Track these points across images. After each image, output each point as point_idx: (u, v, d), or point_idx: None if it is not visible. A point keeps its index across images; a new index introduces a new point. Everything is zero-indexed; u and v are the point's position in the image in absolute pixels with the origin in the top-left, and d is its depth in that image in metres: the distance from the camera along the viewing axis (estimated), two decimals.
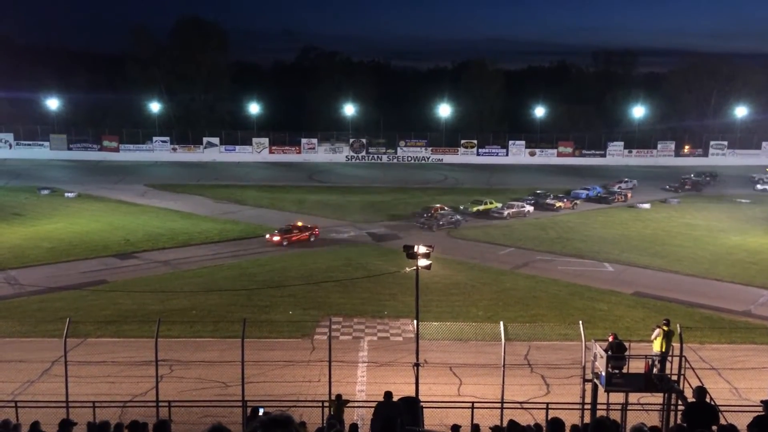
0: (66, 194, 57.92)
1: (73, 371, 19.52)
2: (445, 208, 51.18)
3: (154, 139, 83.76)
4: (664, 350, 19.01)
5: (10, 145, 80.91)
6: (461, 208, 53.34)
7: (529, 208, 54.72)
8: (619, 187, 63.13)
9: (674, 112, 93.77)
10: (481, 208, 53.66)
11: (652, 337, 19.58)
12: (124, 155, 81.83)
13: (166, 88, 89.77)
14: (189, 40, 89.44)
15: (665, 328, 19.21)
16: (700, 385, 12.82)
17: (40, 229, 45.82)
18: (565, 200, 57.24)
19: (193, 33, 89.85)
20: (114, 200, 56.87)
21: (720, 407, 14.64)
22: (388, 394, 14.25)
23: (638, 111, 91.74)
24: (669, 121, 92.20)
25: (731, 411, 16.76)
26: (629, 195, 60.91)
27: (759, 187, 68.52)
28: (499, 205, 54.21)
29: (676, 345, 18.96)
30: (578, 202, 58.07)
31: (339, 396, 17.80)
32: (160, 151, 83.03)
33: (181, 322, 27.22)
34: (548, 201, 56.61)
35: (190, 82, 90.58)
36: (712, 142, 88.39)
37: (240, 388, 18.92)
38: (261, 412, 12.47)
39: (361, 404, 20.18)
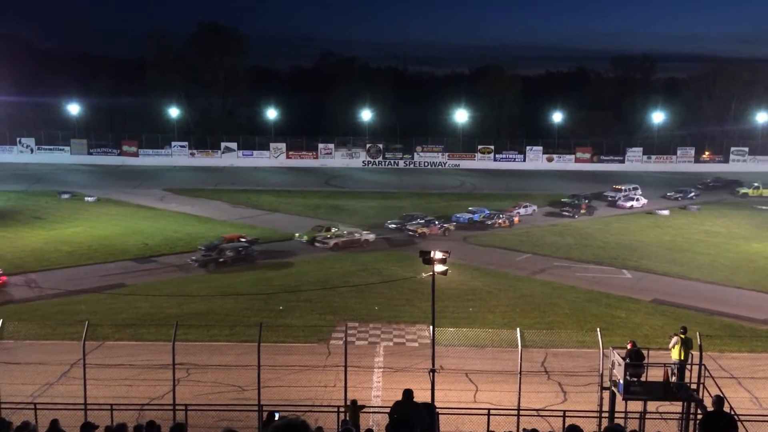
0: (86, 198, 58.56)
1: (91, 374, 19.69)
2: (243, 239, 42.55)
3: (173, 143, 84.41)
4: (682, 358, 18.79)
5: (32, 150, 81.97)
6: (296, 236, 45.59)
7: (370, 236, 45.56)
8: (518, 212, 54.52)
9: (694, 118, 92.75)
10: (327, 235, 44.84)
11: (670, 345, 19.38)
12: (143, 160, 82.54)
13: (185, 93, 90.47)
14: (208, 46, 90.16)
15: (683, 336, 19.00)
16: (719, 394, 12.65)
17: (61, 233, 46.36)
18: (432, 226, 48.30)
19: (212, 39, 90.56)
20: (133, 204, 57.39)
21: (740, 417, 14.45)
22: (407, 393, 12.57)
23: (657, 117, 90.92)
24: (689, 127, 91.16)
25: (752, 421, 16.54)
26: (517, 220, 52.69)
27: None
28: (330, 232, 44.97)
29: (695, 354, 18.74)
30: (451, 227, 49.46)
31: (354, 401, 17.79)
32: (178, 156, 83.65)
33: (198, 325, 27.38)
34: (409, 227, 47.91)
35: (209, 88, 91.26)
36: (732, 148, 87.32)
37: (256, 392, 18.96)
38: (277, 416, 12.48)
39: (376, 410, 20.16)
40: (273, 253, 42.68)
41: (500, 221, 51.50)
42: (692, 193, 64.73)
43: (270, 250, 43.48)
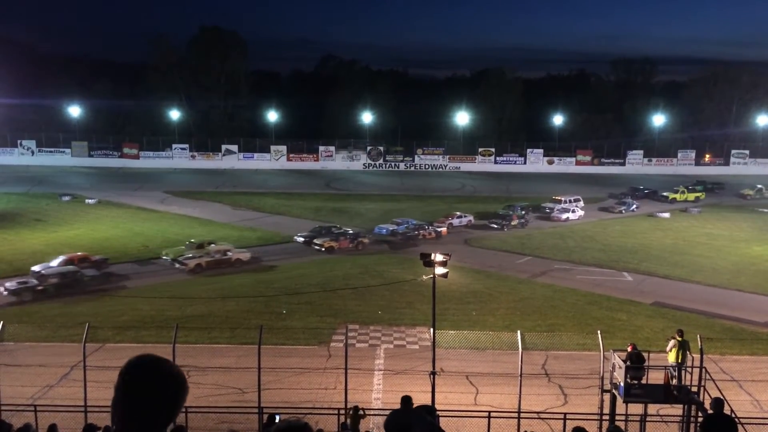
0: (87, 201, 58.58)
1: (91, 376, 19.68)
2: (89, 258, 37.18)
3: (174, 146, 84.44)
4: (679, 361, 18.76)
5: (33, 152, 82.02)
6: (163, 254, 40.33)
7: (244, 255, 40.65)
8: (450, 223, 51.01)
9: (695, 121, 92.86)
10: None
11: (668, 348, 19.37)
12: (144, 162, 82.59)
13: (186, 96, 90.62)
14: (209, 49, 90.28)
15: (679, 339, 18.97)
16: (718, 396, 12.64)
17: (61, 235, 46.39)
18: (342, 239, 44.46)
19: (214, 42, 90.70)
20: (134, 207, 57.42)
21: (741, 419, 14.43)
22: (406, 400, 11.38)
23: (658, 119, 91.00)
24: (689, 130, 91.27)
25: (752, 423, 16.51)
26: (444, 232, 48.55)
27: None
28: (202, 250, 39.60)
29: (695, 356, 18.71)
30: (366, 240, 45.46)
31: (356, 407, 17.72)
32: (179, 159, 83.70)
33: (198, 328, 27.39)
34: (316, 241, 44.10)
35: (210, 90, 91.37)
36: (733, 151, 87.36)
37: (257, 395, 18.95)
38: (278, 419, 12.48)
39: (376, 413, 20.14)
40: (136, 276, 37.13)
41: (425, 233, 47.23)
42: (634, 205, 59.89)
43: (122, 273, 37.59)
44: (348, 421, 17.30)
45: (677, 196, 64.48)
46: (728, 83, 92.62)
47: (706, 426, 10.91)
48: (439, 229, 48.47)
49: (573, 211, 56.29)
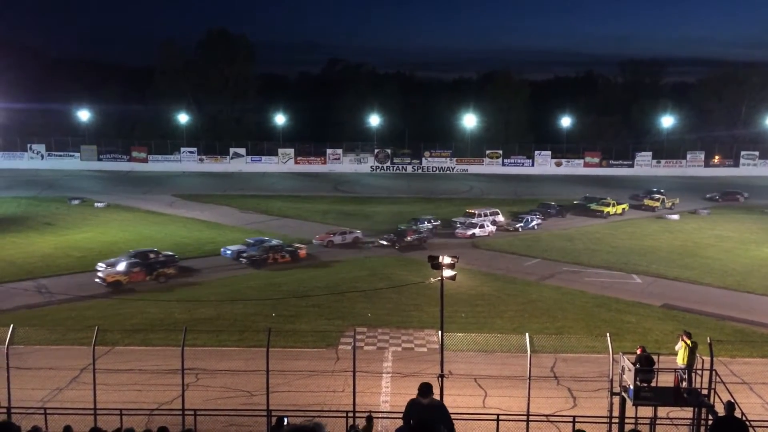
0: (96, 204, 58.88)
1: (101, 379, 19.75)
2: None
3: (182, 149, 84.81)
4: (687, 363, 18.62)
5: (42, 156, 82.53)
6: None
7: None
8: (331, 241, 45.45)
9: (704, 122, 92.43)
10: None
11: (676, 347, 19.26)
12: (152, 166, 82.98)
13: (194, 99, 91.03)
14: (217, 53, 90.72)
15: (688, 341, 18.85)
16: (730, 399, 12.55)
17: (71, 239, 46.62)
18: (132, 272, 35.94)
19: (221, 46, 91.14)
20: (142, 210, 57.66)
21: (752, 422, 14.33)
22: (426, 389, 10.07)
23: (667, 121, 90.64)
24: (698, 131, 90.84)
25: (764, 426, 16.39)
26: (303, 254, 42.16)
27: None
28: None
29: (706, 359, 18.59)
30: (171, 271, 37.53)
31: (370, 416, 17.55)
32: (187, 162, 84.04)
33: (207, 331, 27.43)
34: (100, 273, 36.06)
35: (218, 94, 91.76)
36: (743, 153, 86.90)
37: (265, 398, 18.95)
38: (286, 421, 12.47)
39: (385, 416, 20.12)
40: None
41: (277, 257, 40.88)
42: (533, 222, 53.00)
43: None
44: (360, 427, 17.17)
45: (609, 209, 57.95)
46: (737, 84, 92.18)
47: (717, 428, 10.84)
48: (297, 251, 42.09)
49: (482, 227, 50.04)
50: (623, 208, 59.10)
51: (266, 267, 40.12)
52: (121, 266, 36.44)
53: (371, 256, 43.91)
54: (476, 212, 52.85)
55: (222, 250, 42.78)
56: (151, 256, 38.27)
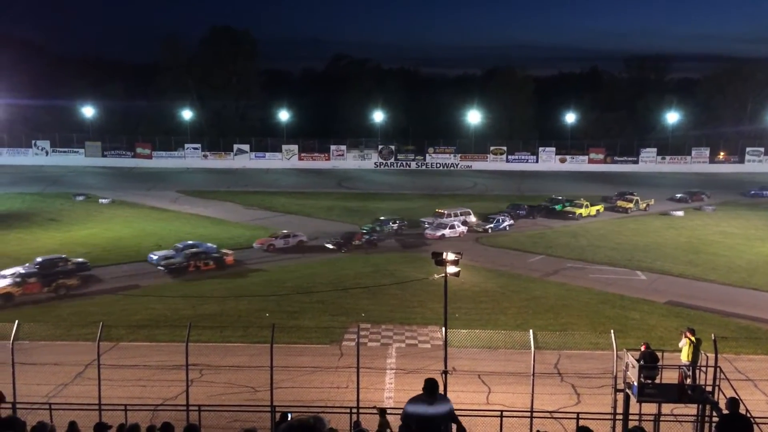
0: (100, 200, 59.01)
1: (105, 375, 19.81)
2: None
3: (186, 146, 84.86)
4: (691, 360, 18.59)
5: (47, 152, 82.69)
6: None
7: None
8: (272, 245, 43.02)
9: (709, 118, 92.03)
10: None
11: (680, 344, 19.24)
12: (156, 162, 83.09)
13: (197, 95, 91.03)
14: (221, 49, 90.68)
15: (691, 338, 18.81)
16: (733, 396, 12.52)
17: (75, 235, 46.74)
18: (27, 283, 32.97)
19: (225, 41, 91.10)
20: (146, 206, 57.76)
21: (756, 419, 14.29)
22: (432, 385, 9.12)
23: (672, 117, 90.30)
24: (703, 128, 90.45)
25: None
26: (230, 260, 39.59)
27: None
28: None
29: (711, 356, 18.56)
30: (73, 282, 34.54)
31: (383, 409, 17.44)
32: (191, 158, 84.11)
33: (211, 327, 27.49)
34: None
35: (222, 90, 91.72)
36: (748, 149, 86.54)
37: (269, 393, 19.00)
38: (290, 417, 12.50)
39: (389, 412, 20.10)
40: None
41: (200, 264, 38.24)
42: (505, 223, 50.96)
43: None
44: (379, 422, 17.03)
45: (582, 211, 55.83)
46: (742, 80, 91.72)
47: (722, 426, 10.81)
48: (225, 257, 39.50)
49: (452, 227, 48.29)
50: (597, 210, 57.13)
51: (187, 276, 37.34)
52: (8, 278, 33.19)
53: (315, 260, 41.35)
54: (446, 212, 51.16)
55: (149, 255, 39.79)
56: (60, 264, 35.30)
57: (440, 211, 51.92)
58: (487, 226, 50.38)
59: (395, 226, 48.65)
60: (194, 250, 39.41)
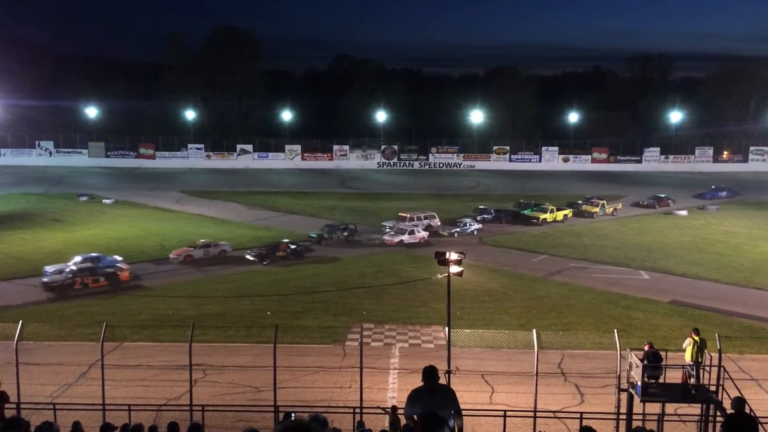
0: (103, 201, 59.09)
1: (109, 375, 19.86)
2: None
3: (189, 146, 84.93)
4: (696, 360, 18.56)
5: (51, 153, 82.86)
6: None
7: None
8: (190, 256, 39.80)
9: (712, 118, 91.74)
10: None
11: (684, 345, 19.20)
12: (159, 162, 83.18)
13: (200, 96, 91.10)
14: (223, 49, 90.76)
15: (696, 338, 18.78)
16: (739, 395, 12.49)
17: (79, 235, 46.81)
18: None
19: (228, 42, 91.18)
20: (150, 206, 57.83)
21: (761, 419, 14.26)
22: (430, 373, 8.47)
23: (675, 116, 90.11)
24: (707, 127, 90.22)
25: None
26: (125, 276, 35.78)
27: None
28: None
29: (714, 355, 18.53)
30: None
31: (394, 406, 17.40)
32: (194, 158, 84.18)
33: (214, 327, 27.52)
34: None
35: (225, 90, 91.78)
36: (752, 148, 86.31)
37: (272, 393, 19.02)
38: (293, 417, 12.51)
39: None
40: None
41: (89, 281, 34.47)
42: (472, 227, 49.24)
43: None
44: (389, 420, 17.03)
45: (547, 216, 53.74)
46: (746, 79, 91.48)
47: (728, 425, 10.80)
48: (119, 273, 35.69)
49: (411, 233, 46.04)
50: (565, 215, 54.88)
51: (71, 294, 33.55)
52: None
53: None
54: (409, 216, 48.72)
55: (45, 268, 35.75)
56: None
57: (403, 214, 49.46)
58: (453, 230, 48.37)
59: (345, 233, 46.30)
60: (84, 265, 35.15)
